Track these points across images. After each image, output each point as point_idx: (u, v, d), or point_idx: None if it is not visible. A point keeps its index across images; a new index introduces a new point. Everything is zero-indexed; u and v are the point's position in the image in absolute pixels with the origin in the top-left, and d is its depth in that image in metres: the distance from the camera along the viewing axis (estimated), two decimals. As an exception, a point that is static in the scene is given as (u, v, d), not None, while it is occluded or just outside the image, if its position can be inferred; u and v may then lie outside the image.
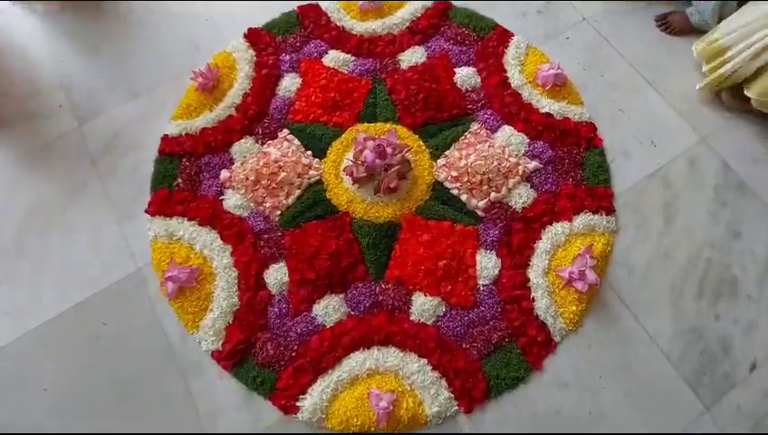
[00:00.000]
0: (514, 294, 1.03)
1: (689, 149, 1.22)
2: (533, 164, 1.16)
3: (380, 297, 1.04)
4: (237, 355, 1.00)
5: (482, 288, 1.04)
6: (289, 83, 1.27)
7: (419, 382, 0.96)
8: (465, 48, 1.31)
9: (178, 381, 1.00)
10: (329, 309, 1.02)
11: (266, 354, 0.99)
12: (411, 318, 1.02)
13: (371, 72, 1.29)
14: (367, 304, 1.03)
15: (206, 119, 1.23)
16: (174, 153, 1.20)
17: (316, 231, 1.08)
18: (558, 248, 1.08)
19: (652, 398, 0.99)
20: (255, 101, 1.24)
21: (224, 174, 1.16)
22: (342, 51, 1.31)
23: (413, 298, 1.04)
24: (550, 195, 1.13)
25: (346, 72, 1.28)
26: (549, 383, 0.99)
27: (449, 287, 1.04)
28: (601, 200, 1.13)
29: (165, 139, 1.21)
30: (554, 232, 1.09)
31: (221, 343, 1.01)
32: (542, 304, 1.02)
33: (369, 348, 1.00)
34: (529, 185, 1.14)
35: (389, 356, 0.98)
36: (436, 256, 1.05)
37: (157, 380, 1.00)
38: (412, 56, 1.30)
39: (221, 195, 1.15)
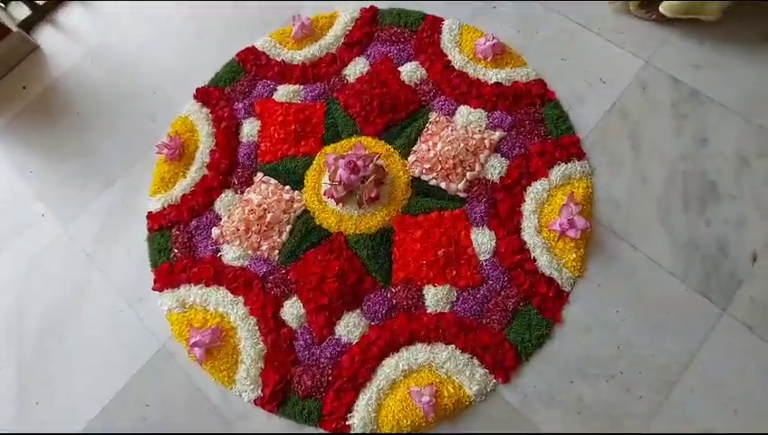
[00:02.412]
0: (516, 259, 1.08)
1: (636, 75, 1.27)
2: (497, 134, 1.21)
3: (394, 301, 1.08)
4: (279, 395, 1.03)
5: (484, 263, 1.09)
6: (249, 129, 1.31)
7: (453, 368, 1.00)
8: (402, 46, 1.36)
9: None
10: (350, 326, 1.07)
11: (305, 386, 1.03)
12: (428, 311, 1.07)
13: (323, 95, 1.33)
14: (383, 312, 1.07)
15: (182, 186, 1.27)
16: (163, 227, 1.24)
17: (316, 258, 1.12)
18: (543, 205, 1.13)
19: (670, 316, 1.03)
20: (224, 155, 1.28)
21: (215, 232, 1.20)
22: (290, 83, 1.35)
23: (424, 292, 1.08)
24: (521, 158, 1.18)
25: (299, 102, 1.33)
26: (572, 332, 1.04)
27: (454, 272, 1.08)
28: (570, 148, 1.17)
29: (150, 216, 1.25)
30: (535, 191, 1.14)
31: (260, 389, 1.05)
32: (543, 261, 1.07)
33: (397, 351, 1.04)
34: (499, 155, 1.19)
35: (418, 353, 1.03)
36: (433, 247, 1.09)
37: (211, 441, 1.04)
38: (356, 68, 1.34)
39: (218, 252, 1.19)
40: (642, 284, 1.06)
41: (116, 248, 1.26)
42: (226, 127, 1.31)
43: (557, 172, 1.15)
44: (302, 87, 1.35)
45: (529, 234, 1.10)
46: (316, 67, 1.36)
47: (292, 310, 1.10)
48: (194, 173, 1.27)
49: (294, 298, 1.11)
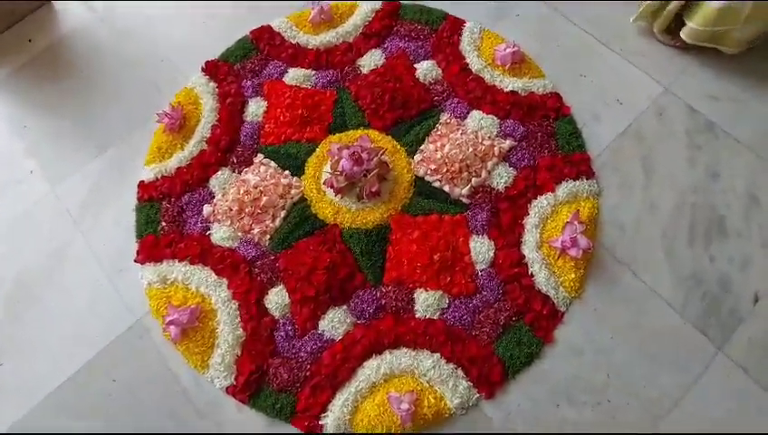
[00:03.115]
0: (513, 272, 1.04)
1: (654, 100, 1.24)
2: (508, 143, 1.17)
3: (383, 301, 1.04)
4: (252, 386, 0.99)
5: (480, 273, 1.05)
6: (255, 108, 1.27)
7: (436, 377, 0.96)
8: (420, 43, 1.32)
9: (198, 423, 0.99)
10: (334, 322, 1.02)
11: (281, 379, 0.98)
12: (417, 316, 1.02)
13: (334, 83, 1.29)
14: (371, 311, 1.03)
15: (179, 158, 1.22)
16: (153, 198, 1.19)
17: (308, 248, 1.08)
18: (546, 220, 1.09)
19: (665, 348, 1.00)
20: (225, 132, 1.24)
21: (206, 209, 1.16)
22: (302, 67, 1.31)
23: (415, 296, 1.04)
24: (529, 170, 1.14)
25: (309, 87, 1.29)
26: (563, 353, 1.00)
27: (448, 278, 1.04)
28: (580, 166, 1.14)
29: (142, 185, 1.20)
30: (540, 205, 1.10)
31: (234, 377, 1.00)
32: (541, 278, 1.03)
33: (381, 353, 0.99)
34: (507, 164, 1.15)
35: (402, 357, 0.98)
36: (430, 251, 1.05)
37: (176, 426, 0.99)
38: (371, 60, 1.31)
39: (207, 230, 1.14)
40: (640, 312, 1.03)
41: (103, 215, 1.21)
42: (232, 103, 1.27)
43: (564, 188, 1.11)
44: (313, 72, 1.31)
45: (529, 248, 1.06)
46: (330, 54, 1.32)
47: (276, 299, 1.05)
48: (192, 147, 1.23)
49: (281, 287, 1.06)
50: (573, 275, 1.03)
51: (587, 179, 1.13)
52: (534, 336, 0.99)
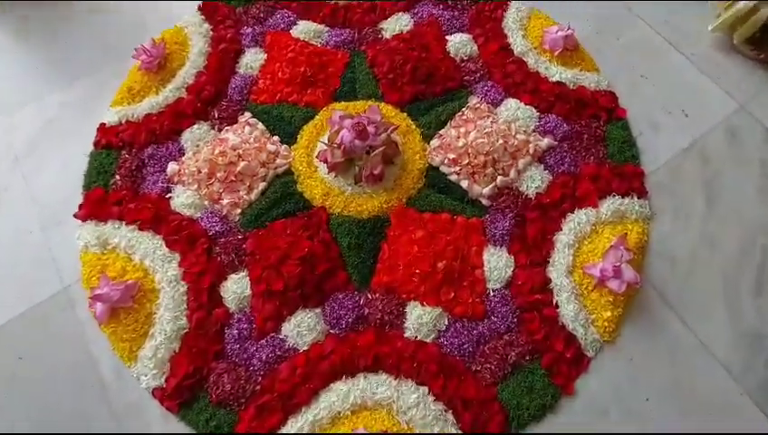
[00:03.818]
0: (533, 299, 0.82)
1: (727, 118, 1.02)
2: (546, 141, 0.96)
3: (366, 310, 0.82)
4: (185, 392, 0.77)
5: (492, 294, 0.83)
6: (251, 59, 1.07)
7: (419, 418, 0.74)
8: (457, 13, 1.12)
9: (110, 428, 0.77)
10: (302, 328, 0.81)
11: (222, 390, 0.77)
12: (406, 335, 0.81)
13: (349, 44, 1.09)
14: (350, 320, 0.82)
15: (150, 103, 1.02)
16: (112, 145, 0.98)
17: (285, 231, 0.87)
18: (583, 240, 0.88)
19: (711, 422, 0.77)
20: (211, 81, 1.03)
21: (171, 167, 0.95)
22: (314, 21, 1.11)
23: (407, 310, 0.82)
24: (568, 177, 0.93)
25: (319, 45, 1.08)
26: (583, 410, 0.78)
27: (452, 294, 0.82)
28: (631, 180, 0.92)
29: (102, 128, 1.00)
30: (577, 221, 0.88)
31: (165, 377, 0.79)
32: (568, 311, 0.81)
33: (353, 376, 0.78)
34: (542, 166, 0.94)
35: (380, 385, 0.76)
36: (433, 256, 0.84)
37: (83, 428, 0.77)
38: (396, 24, 1.10)
39: (168, 192, 0.93)
40: (686, 372, 0.80)
41: (52, 156, 1.01)
42: (225, 50, 1.07)
43: (610, 205, 0.90)
44: (327, 29, 1.10)
45: (558, 272, 0.84)
46: (350, 11, 1.12)
47: (235, 287, 0.84)
48: (169, 92, 1.02)
49: (243, 273, 0.85)
50: (609, 314, 0.81)
51: (638, 198, 0.91)
52: (551, 384, 0.77)
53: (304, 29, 1.10)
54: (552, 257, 0.86)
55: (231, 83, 1.04)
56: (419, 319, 0.81)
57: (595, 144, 0.96)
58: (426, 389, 0.76)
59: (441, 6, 1.13)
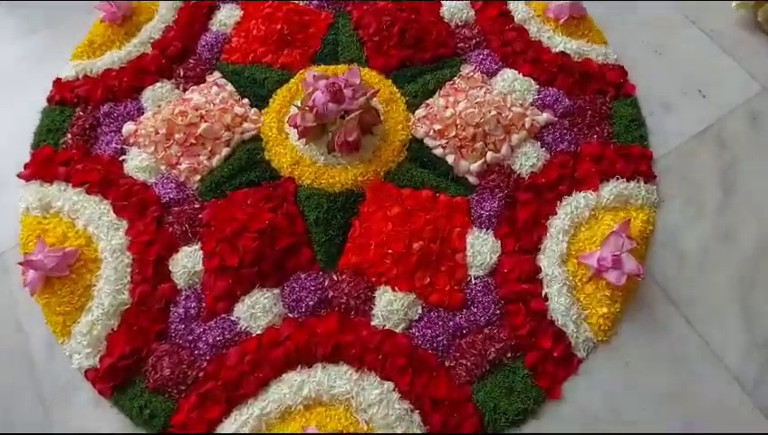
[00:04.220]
0: (520, 289, 0.72)
1: (748, 100, 0.91)
2: (545, 116, 0.85)
3: (331, 293, 0.73)
4: (120, 375, 0.68)
5: (474, 281, 0.73)
6: (226, 16, 0.97)
7: (380, 418, 0.64)
8: (454, -24, 1.01)
9: (36, 411, 0.68)
10: (256, 309, 0.71)
11: (161, 375, 0.67)
12: (373, 323, 0.71)
13: (333, 5, 0.98)
14: (311, 303, 0.72)
15: (112, 58, 0.92)
16: (66, 101, 0.89)
17: (245, 201, 0.77)
18: (581, 227, 0.77)
19: (718, 438, 0.67)
20: (180, 36, 0.93)
21: (127, 127, 0.85)
22: (297, -22, 1.01)
23: (376, 295, 0.72)
24: (568, 156, 0.82)
25: (301, 3, 0.98)
26: (570, 417, 0.67)
27: (427, 279, 0.72)
28: (638, 163, 0.81)
29: (57, 83, 0.91)
30: (575, 205, 0.78)
31: (99, 356, 0.69)
32: (559, 305, 0.71)
33: (310, 366, 0.68)
34: (539, 143, 0.83)
35: (339, 378, 0.66)
36: (410, 236, 0.73)
37: (5, 409, 0.68)
38: (386, -15, 1.00)
39: (122, 154, 0.84)
40: (689, 380, 0.70)
41: (3, 113, 0.92)
42: (197, 5, 0.97)
43: (612, 189, 0.79)
44: (310, -13, 1.00)
45: (549, 260, 0.74)
46: (337, -31, 1.02)
47: (186, 261, 0.74)
48: (132, 47, 0.93)
49: (197, 246, 0.76)
50: (606, 310, 0.71)
51: (645, 183, 0.80)
52: (534, 386, 0.67)
53: (286, -14, 1.00)
54: (544, 244, 0.75)
55: (201, 40, 0.94)
56: (389, 306, 0.71)
57: (599, 122, 0.85)
58: (391, 384, 0.66)
59: (437, -32, 1.02)
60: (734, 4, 0.97)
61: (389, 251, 0.73)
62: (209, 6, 0.98)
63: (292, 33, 0.92)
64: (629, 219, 0.74)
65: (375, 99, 0.86)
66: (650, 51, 0.95)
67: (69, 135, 0.86)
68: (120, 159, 0.83)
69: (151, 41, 0.93)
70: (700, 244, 0.78)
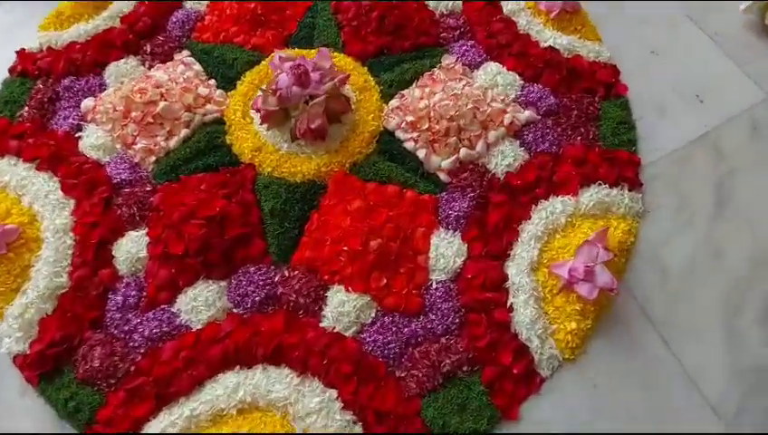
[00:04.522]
0: (483, 297, 0.66)
1: (751, 108, 0.83)
2: (527, 113, 0.79)
3: (280, 289, 0.67)
4: (49, 362, 0.63)
5: (435, 286, 0.67)
6: (201, -7, 0.92)
7: (319, 427, 0.58)
8: (444, -37, 0.95)
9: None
10: (198, 302, 0.66)
11: (90, 366, 0.62)
12: (322, 324, 0.65)
13: (315, -13, 0.93)
14: (257, 299, 0.66)
15: (78, 31, 0.87)
16: (27, 73, 0.85)
17: (198, 186, 0.72)
18: (555, 234, 0.70)
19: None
20: (150, 12, 0.89)
21: (86, 103, 0.81)
22: (279, -42, 0.96)
23: (329, 294, 0.67)
24: (548, 157, 0.75)
25: (281, -15, 0.93)
26: (528, 441, 0.61)
27: (384, 281, 0.66)
28: (623, 168, 0.75)
29: (20, 54, 0.86)
30: (551, 210, 0.71)
31: (30, 341, 0.65)
32: (524, 317, 0.64)
33: (250, 367, 0.62)
34: (518, 142, 0.77)
35: (278, 382, 0.61)
36: (368, 233, 0.68)
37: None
38: (372, -30, 0.94)
39: (78, 131, 0.79)
40: (663, 407, 0.63)
41: (-34, 83, 0.88)
42: (172, -19, 0.92)
43: (593, 195, 0.72)
44: (292, -32, 0.95)
45: (518, 268, 0.68)
46: (321, -49, 0.96)
47: (130, 247, 0.69)
48: (101, 21, 0.88)
49: (144, 231, 0.71)
50: (575, 326, 0.64)
51: (630, 191, 0.74)
52: (490, 404, 0.61)
53: (267, -34, 0.94)
54: (514, 250, 0.69)
55: (173, 17, 0.89)
56: (340, 307, 0.65)
57: (585, 123, 0.79)
58: (334, 393, 0.61)
59: (427, -46, 0.96)
60: (741, 6, 0.89)
61: (345, 248, 0.67)
62: (184, -18, 0.93)
63: (266, 14, 0.87)
64: (607, 228, 0.67)
65: (347, 86, 0.80)
66: (647, 51, 0.88)
67: (26, 108, 0.81)
68: (76, 135, 0.79)
69: (121, 15, 0.89)
70: (686, 259, 0.71)
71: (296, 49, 0.86)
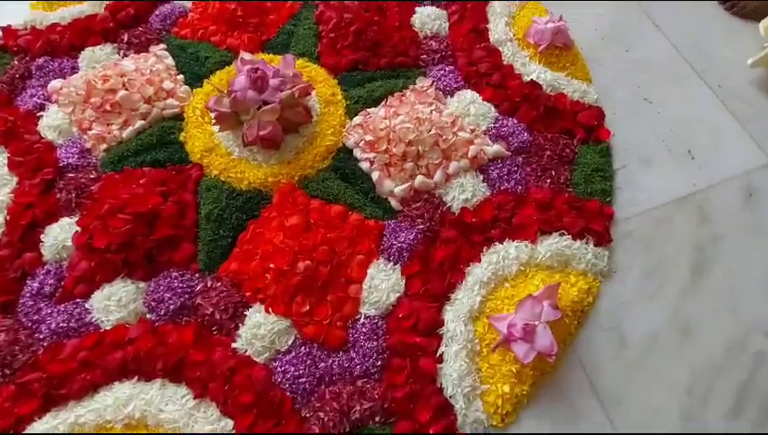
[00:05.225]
0: (411, 341, 0.58)
1: (748, 172, 0.74)
2: (496, 147, 0.72)
3: (198, 300, 0.62)
4: (-52, 344, 0.59)
5: (362, 321, 0.60)
6: (190, -10, 0.90)
7: (203, 461, 0.52)
8: (438, -15, 0.91)
9: None
10: (112, 301, 0.61)
11: (-14, 353, 0.58)
12: (234, 345, 0.59)
13: (304, -5, 0.90)
14: (172, 307, 0.61)
15: (62, 13, 0.86)
16: (8, 48, 0.84)
17: (136, 179, 0.68)
18: (504, 282, 0.63)
19: None
20: (137, 3, 0.87)
21: (53, 84, 0.79)
22: (274, -37, 0.93)
23: (248, 313, 0.61)
24: (510, 197, 0.68)
25: (271, -10, 0.90)
26: None
27: (307, 307, 0.60)
28: (592, 220, 0.67)
29: (5, 30, 0.86)
30: (504, 254, 0.64)
31: (-64, 319, 0.61)
32: (453, 370, 0.57)
33: (148, 380, 0.57)
34: (481, 177, 0.70)
35: (172, 402, 0.55)
36: (299, 253, 0.62)
37: None
38: (365, -16, 0.91)
39: (41, 110, 0.77)
40: (599, 501, 0.54)
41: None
42: (165, -25, 0.91)
43: (552, 244, 0.64)
44: (286, -26, 0.92)
45: (456, 314, 0.60)
46: (317, -39, 0.93)
47: (59, 234, 0.65)
48: (87, 7, 0.87)
49: (75, 219, 0.67)
50: (508, 390, 0.56)
51: (595, 245, 0.65)
52: (399, 464, 0.53)
53: (261, -30, 0.92)
54: (456, 294, 0.62)
55: (156, 10, 0.87)
56: (256, 329, 0.59)
57: (558, 165, 0.71)
58: (229, 423, 0.54)
59: (424, -25, 0.92)
60: (749, 60, 0.81)
61: (271, 265, 0.61)
62: (176, -22, 0.91)
63: (246, 16, 0.84)
64: (559, 284, 0.59)
65: (312, 97, 0.75)
66: (640, 97, 0.81)
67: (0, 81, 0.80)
68: (38, 114, 0.77)
69: (106, 5, 0.87)
70: (649, 332, 0.62)
71: (270, 55, 0.82)
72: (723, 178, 0.73)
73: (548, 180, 0.70)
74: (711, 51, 0.86)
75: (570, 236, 0.65)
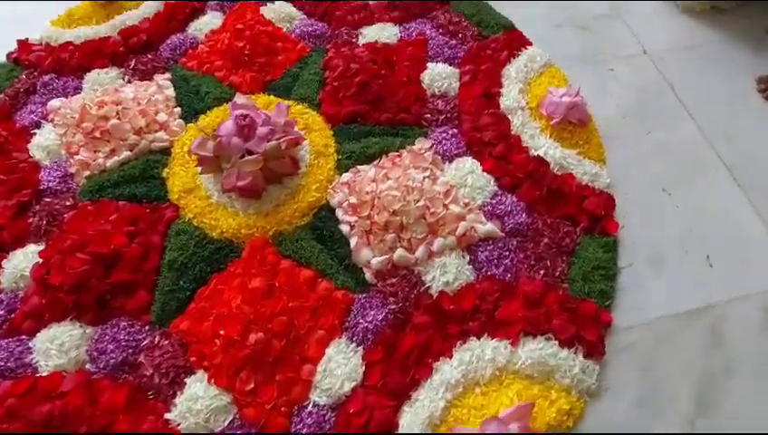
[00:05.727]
0: (360, 443, 0.51)
1: (777, 292, 0.64)
2: (488, 227, 0.65)
3: (141, 357, 0.57)
4: None
5: (310, 409, 0.54)
6: (206, 22, 0.89)
7: None
8: (454, 42, 0.86)
9: None
10: (54, 345, 0.56)
11: None
12: (168, 416, 0.53)
13: (316, 39, 0.87)
14: (113, 361, 0.56)
15: (78, 33, 0.86)
16: (20, 62, 0.84)
17: (110, 215, 0.65)
18: (475, 387, 0.55)
19: None
20: (151, 30, 0.86)
21: (53, 103, 0.78)
22: (293, 3, 0.91)
23: (188, 380, 0.55)
24: (497, 285, 0.61)
25: (285, 30, 0.88)
26: None
27: (251, 385, 0.54)
28: (585, 326, 0.58)
29: (21, 43, 0.86)
30: (479, 354, 0.56)
31: None
32: (400, 486, 0.49)
33: (69, 442, 0.52)
34: (468, 258, 0.63)
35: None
36: (253, 322, 0.56)
37: None
38: (378, 34, 0.86)
39: (37, 127, 0.76)
40: None
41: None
42: (182, 5, 0.90)
43: (535, 350, 0.56)
44: (302, 16, 0.90)
45: (415, 418, 0.52)
46: (336, 5, 0.90)
47: (21, 262, 0.62)
48: (102, 30, 0.87)
49: (41, 248, 0.64)
50: None
51: (585, 357, 0.57)
52: None
53: (278, 9, 0.89)
54: (418, 393, 0.54)
55: (169, 39, 0.86)
56: (193, 401, 0.53)
57: (555, 255, 0.63)
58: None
59: (441, 30, 0.87)
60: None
61: (222, 332, 0.56)
62: (193, 9, 0.90)
63: (253, 55, 0.81)
64: (532, 405, 0.51)
65: (305, 146, 0.71)
66: (659, 187, 0.72)
67: (2, 94, 0.80)
68: (32, 132, 0.76)
69: (122, 27, 0.87)
70: (637, 472, 0.53)
71: (272, 96, 0.79)
72: (743, 293, 0.63)
73: (542, 271, 0.62)
74: (743, 142, 0.77)
75: (557, 343, 0.57)
